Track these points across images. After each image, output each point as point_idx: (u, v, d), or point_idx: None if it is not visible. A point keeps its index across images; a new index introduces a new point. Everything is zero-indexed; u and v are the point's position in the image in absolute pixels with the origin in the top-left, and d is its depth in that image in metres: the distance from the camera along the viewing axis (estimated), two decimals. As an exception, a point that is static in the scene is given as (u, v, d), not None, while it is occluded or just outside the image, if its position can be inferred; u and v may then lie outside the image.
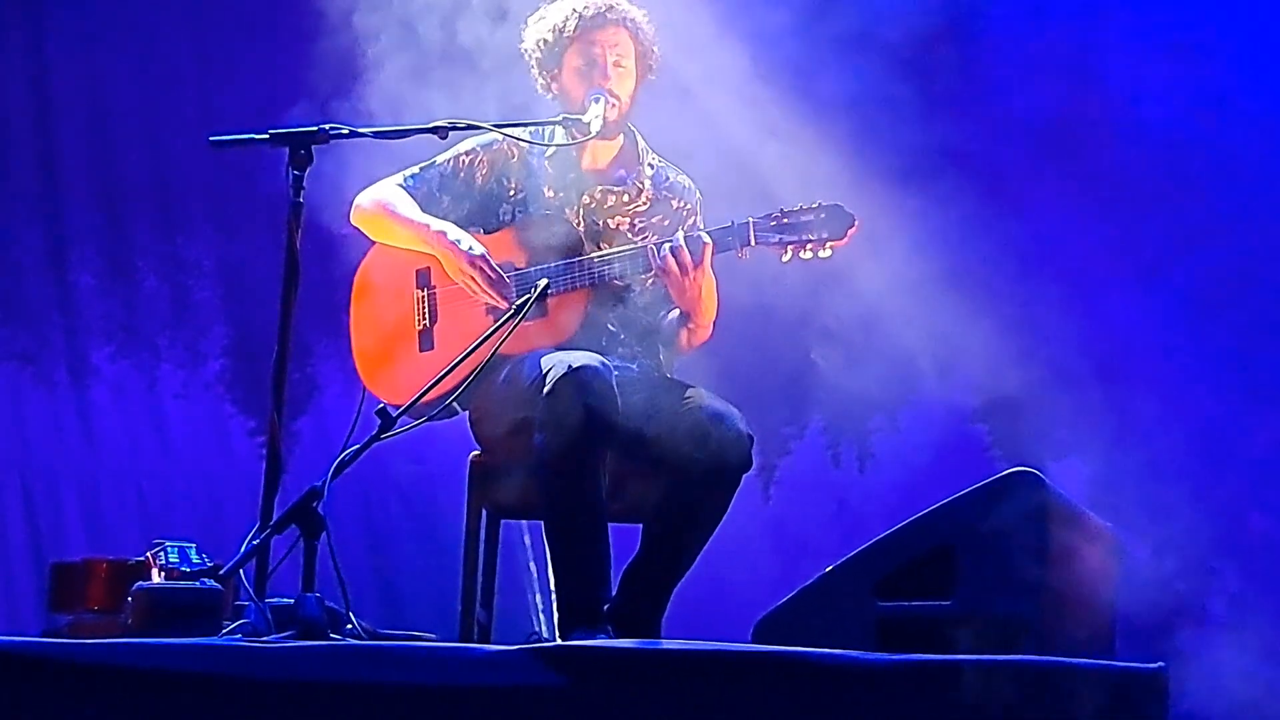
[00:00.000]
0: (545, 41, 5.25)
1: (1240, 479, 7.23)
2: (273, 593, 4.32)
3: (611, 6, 5.22)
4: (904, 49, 7.09)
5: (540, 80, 5.31)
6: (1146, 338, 7.34)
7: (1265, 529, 7.29)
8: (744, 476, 4.92)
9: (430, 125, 4.91)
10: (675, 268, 4.95)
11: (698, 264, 4.95)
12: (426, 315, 5.23)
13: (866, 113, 7.11)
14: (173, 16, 8.09)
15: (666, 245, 4.98)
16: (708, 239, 4.98)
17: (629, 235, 5.24)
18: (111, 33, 8.08)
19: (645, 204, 5.29)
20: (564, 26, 5.21)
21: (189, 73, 8.18)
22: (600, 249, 5.15)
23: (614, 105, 5.17)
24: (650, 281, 5.18)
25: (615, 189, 5.27)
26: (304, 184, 4.61)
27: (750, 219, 4.96)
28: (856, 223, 4.93)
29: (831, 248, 4.94)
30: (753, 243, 4.95)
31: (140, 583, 4.32)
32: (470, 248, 5.10)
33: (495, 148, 5.28)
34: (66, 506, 7.90)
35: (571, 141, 5.19)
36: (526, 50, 5.30)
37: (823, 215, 4.93)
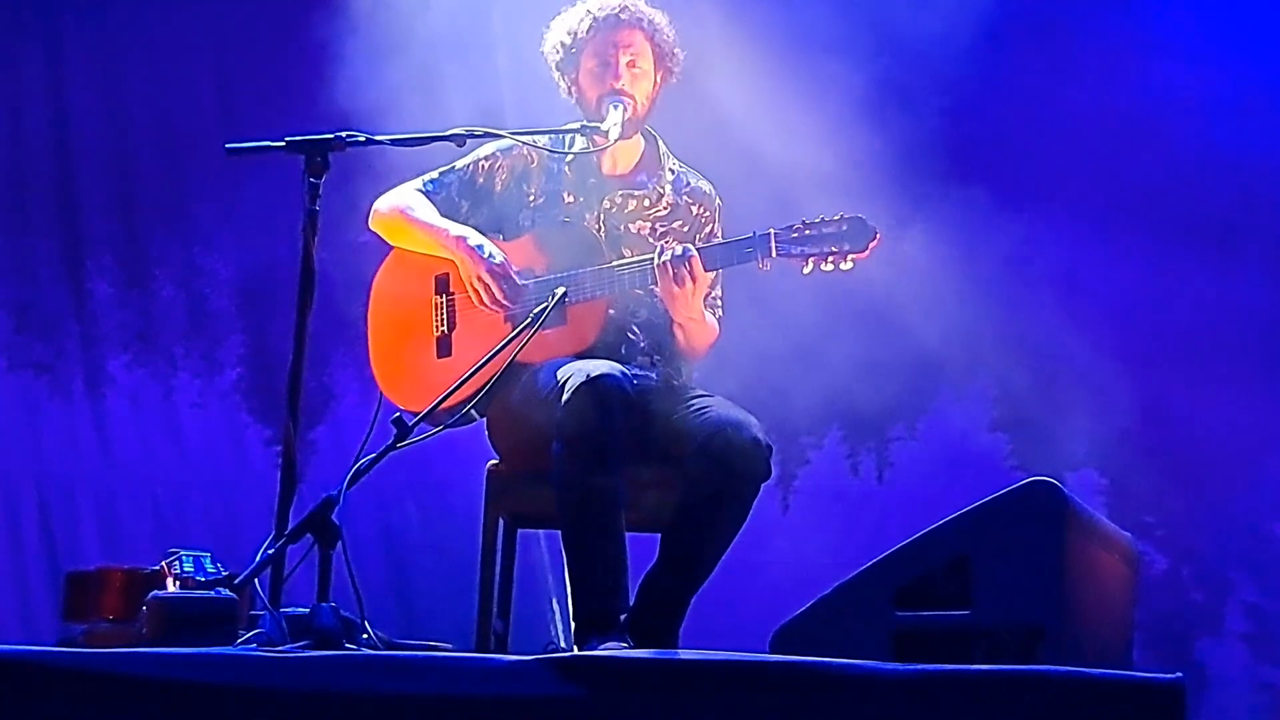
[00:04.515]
0: (562, 44, 5.25)
1: (1258, 489, 7.22)
2: (288, 602, 4.31)
3: (625, 7, 5.21)
4: (929, 51, 7.10)
5: (561, 84, 5.30)
6: (1164, 348, 7.33)
7: (1283, 539, 7.28)
8: (762, 486, 4.90)
9: (448, 133, 4.90)
10: (672, 280, 4.93)
11: (695, 278, 4.94)
12: (445, 321, 5.21)
13: (887, 118, 7.11)
14: (189, 27, 8.08)
15: (669, 253, 4.95)
16: (693, 250, 4.95)
17: (650, 240, 5.21)
18: (128, 43, 8.07)
19: (666, 209, 5.26)
20: (578, 29, 5.21)
21: (205, 82, 8.17)
22: (621, 254, 5.13)
23: (629, 105, 5.15)
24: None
25: (636, 193, 5.25)
26: (320, 192, 4.60)
27: (772, 230, 4.92)
28: (878, 235, 4.90)
29: (853, 260, 4.90)
30: (774, 254, 4.91)
31: (155, 592, 4.30)
32: (490, 255, 5.09)
33: (514, 153, 5.26)
34: (82, 515, 7.88)
35: (591, 149, 5.18)
36: (546, 55, 5.30)
37: (844, 227, 4.90)
